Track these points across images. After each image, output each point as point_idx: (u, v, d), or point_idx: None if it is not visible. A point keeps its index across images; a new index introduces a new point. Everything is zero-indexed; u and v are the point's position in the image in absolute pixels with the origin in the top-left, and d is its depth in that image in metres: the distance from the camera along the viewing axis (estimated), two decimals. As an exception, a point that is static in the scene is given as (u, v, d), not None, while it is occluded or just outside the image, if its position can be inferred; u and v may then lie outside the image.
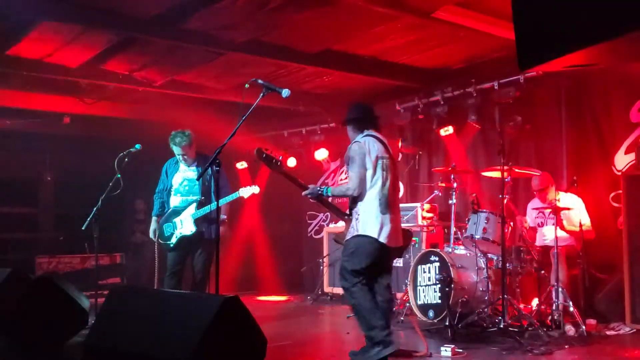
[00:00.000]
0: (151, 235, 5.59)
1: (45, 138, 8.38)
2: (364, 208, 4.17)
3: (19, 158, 8.41)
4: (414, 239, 6.78)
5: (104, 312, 3.86)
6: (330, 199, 4.49)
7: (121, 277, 8.56)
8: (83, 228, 5.46)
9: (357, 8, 5.03)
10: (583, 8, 2.03)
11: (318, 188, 4.30)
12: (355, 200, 4.22)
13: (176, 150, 5.40)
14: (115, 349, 3.53)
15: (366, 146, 4.18)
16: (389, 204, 4.17)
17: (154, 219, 5.59)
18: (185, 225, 5.33)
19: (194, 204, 5.33)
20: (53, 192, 9.18)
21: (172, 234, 5.39)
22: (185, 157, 5.40)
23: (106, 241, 8.37)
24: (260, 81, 3.93)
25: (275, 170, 4.32)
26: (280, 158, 4.32)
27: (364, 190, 4.17)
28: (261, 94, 3.92)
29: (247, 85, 3.90)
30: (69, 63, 6.46)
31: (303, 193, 4.37)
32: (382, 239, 4.11)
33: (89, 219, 5.46)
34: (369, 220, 4.14)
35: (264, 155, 4.26)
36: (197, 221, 5.30)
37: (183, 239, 5.35)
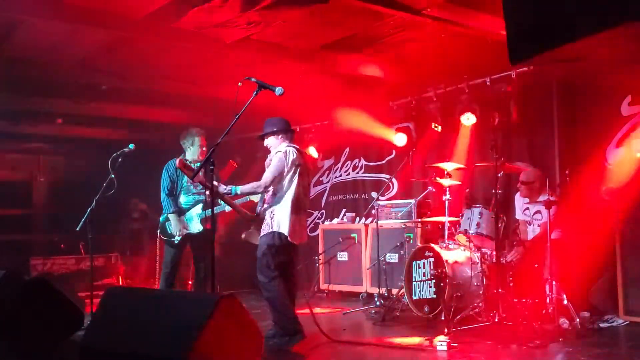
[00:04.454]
0: (176, 233, 5.54)
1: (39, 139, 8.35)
2: (279, 209, 4.66)
3: (12, 159, 8.37)
4: (407, 235, 6.83)
5: (100, 313, 3.86)
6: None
7: (116, 278, 8.54)
8: (78, 229, 5.47)
9: (349, 6, 5.04)
10: (571, 3, 2.05)
11: (225, 188, 4.65)
12: (272, 201, 4.73)
13: (195, 147, 5.52)
14: (111, 349, 3.53)
15: (288, 156, 4.71)
16: (300, 206, 4.74)
17: (172, 216, 5.56)
18: (191, 224, 5.48)
19: (200, 204, 5.48)
20: (47, 193, 9.15)
21: (177, 232, 5.51)
22: (204, 153, 5.46)
23: (101, 242, 8.36)
24: (253, 79, 3.94)
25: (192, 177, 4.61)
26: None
27: (282, 193, 4.68)
28: (255, 92, 3.93)
29: (240, 84, 3.91)
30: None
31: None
32: (291, 237, 4.64)
33: (83, 220, 5.47)
34: (283, 220, 4.63)
35: (185, 166, 4.63)
36: (203, 220, 5.46)
37: (188, 237, 5.45)
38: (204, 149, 5.54)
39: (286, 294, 4.71)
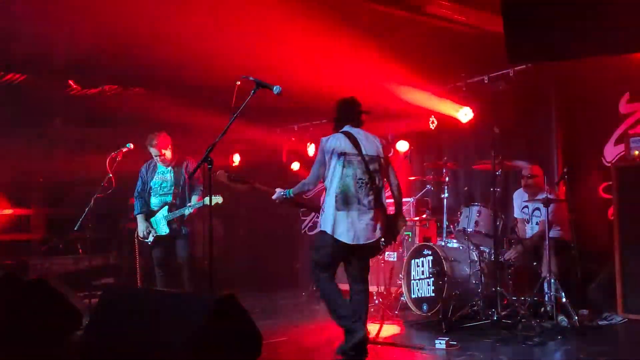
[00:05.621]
0: (141, 234, 5.60)
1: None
2: (326, 204, 4.19)
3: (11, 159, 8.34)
4: (406, 233, 6.83)
5: (98, 313, 3.86)
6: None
7: (114, 277, 8.52)
8: (75, 229, 5.47)
9: (347, 4, 5.05)
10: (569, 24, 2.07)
11: (282, 192, 4.31)
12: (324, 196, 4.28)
13: (153, 151, 5.55)
14: (110, 349, 3.53)
15: (328, 143, 4.19)
16: (348, 201, 4.11)
17: (139, 217, 5.62)
18: (159, 226, 5.53)
19: (166, 206, 5.52)
20: (45, 194, 9.12)
21: (149, 233, 5.57)
22: (162, 158, 5.51)
23: (99, 241, 8.36)
24: (251, 78, 3.92)
25: (242, 186, 4.37)
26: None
27: (328, 187, 4.18)
28: (253, 91, 3.92)
29: (238, 82, 3.90)
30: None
31: (273, 198, 4.39)
32: (337, 235, 4.09)
33: (81, 220, 5.48)
34: (327, 216, 4.14)
35: (231, 177, 4.31)
36: (170, 223, 5.49)
37: (159, 238, 5.53)
38: (164, 151, 5.52)
39: (338, 291, 4.19)
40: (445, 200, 6.17)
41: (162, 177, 5.62)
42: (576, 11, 2.26)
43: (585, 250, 5.58)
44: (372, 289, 7.00)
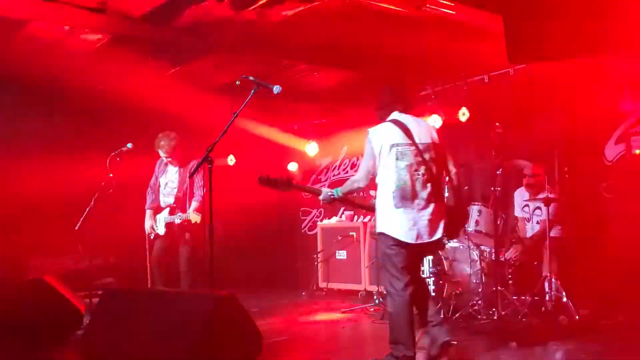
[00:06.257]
0: (147, 229, 5.68)
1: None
2: (379, 202, 3.81)
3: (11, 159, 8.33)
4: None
5: (98, 313, 3.86)
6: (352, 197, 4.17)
7: (114, 277, 8.51)
8: (76, 228, 5.50)
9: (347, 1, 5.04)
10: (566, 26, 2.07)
11: (329, 192, 3.99)
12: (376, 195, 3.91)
13: (161, 153, 5.63)
14: (110, 349, 3.53)
15: (376, 135, 3.82)
16: (407, 196, 3.71)
17: (147, 213, 5.67)
18: (159, 226, 5.63)
19: (168, 209, 5.61)
20: (45, 193, 9.11)
21: (152, 229, 5.69)
22: (170, 159, 5.54)
23: (99, 241, 8.36)
24: (251, 78, 3.92)
25: (285, 189, 4.07)
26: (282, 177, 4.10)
27: (380, 183, 3.81)
28: (252, 91, 3.92)
29: (237, 82, 3.91)
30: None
31: (320, 198, 4.07)
32: (399, 236, 3.70)
33: (81, 219, 5.50)
34: (384, 216, 3.76)
35: (268, 180, 3.99)
36: (167, 225, 5.56)
37: (160, 236, 5.65)
38: (172, 153, 5.60)
39: (409, 314, 3.73)
40: (445, 199, 6.14)
41: (169, 176, 5.70)
42: (576, 11, 2.26)
43: (586, 249, 5.58)
44: (373, 288, 7.02)
